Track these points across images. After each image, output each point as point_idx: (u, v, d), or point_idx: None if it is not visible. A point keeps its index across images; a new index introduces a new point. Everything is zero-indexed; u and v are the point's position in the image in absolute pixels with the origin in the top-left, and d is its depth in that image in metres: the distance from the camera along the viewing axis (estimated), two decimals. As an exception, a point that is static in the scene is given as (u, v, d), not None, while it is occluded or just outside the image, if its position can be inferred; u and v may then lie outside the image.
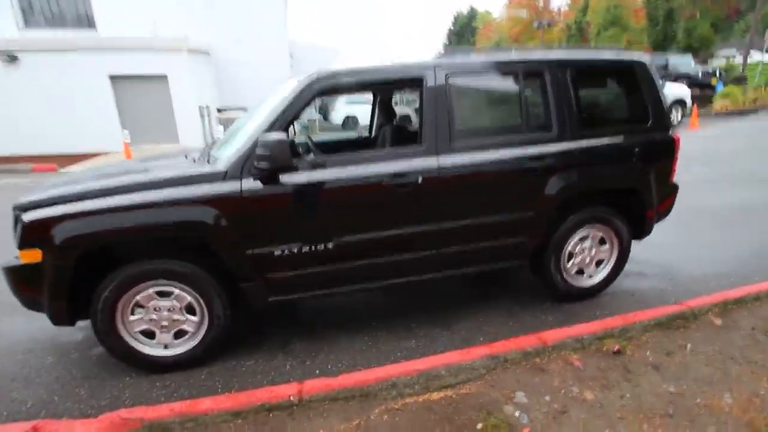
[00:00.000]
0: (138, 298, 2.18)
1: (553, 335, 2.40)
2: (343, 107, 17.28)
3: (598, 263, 3.03)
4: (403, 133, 3.52)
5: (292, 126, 2.42)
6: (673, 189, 3.12)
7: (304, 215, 2.30)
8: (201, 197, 2.13)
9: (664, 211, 3.15)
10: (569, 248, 2.88)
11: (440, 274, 2.64)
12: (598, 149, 2.73)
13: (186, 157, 2.78)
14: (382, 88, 3.40)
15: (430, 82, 2.42)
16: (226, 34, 14.56)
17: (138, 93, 12.23)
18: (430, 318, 2.86)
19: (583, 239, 2.91)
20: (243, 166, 2.20)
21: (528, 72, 2.60)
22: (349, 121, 16.88)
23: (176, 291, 2.21)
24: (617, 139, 2.79)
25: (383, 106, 3.71)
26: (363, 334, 2.69)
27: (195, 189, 2.14)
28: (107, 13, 13.86)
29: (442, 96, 2.42)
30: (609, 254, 3.03)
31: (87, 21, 14.41)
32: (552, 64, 2.63)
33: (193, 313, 2.28)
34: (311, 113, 16.75)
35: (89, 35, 13.72)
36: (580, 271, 3.00)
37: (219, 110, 14.24)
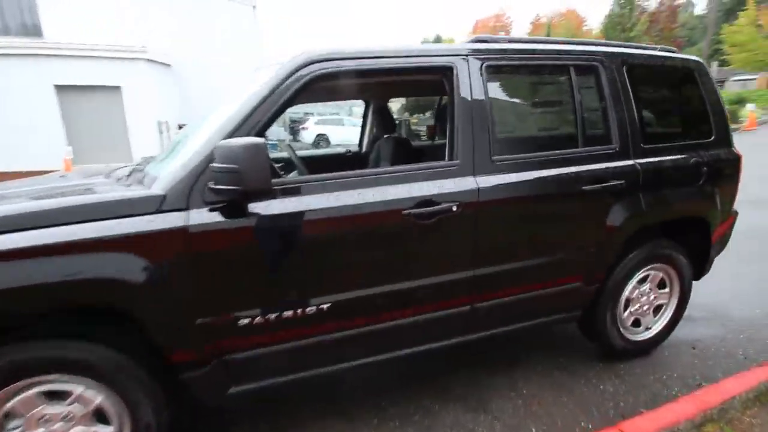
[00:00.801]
0: (11, 405, 1.32)
1: (638, 427, 1.73)
2: (313, 127, 16.61)
3: (656, 310, 2.41)
4: (407, 149, 2.85)
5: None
6: (733, 217, 2.59)
7: (288, 262, 1.55)
8: (119, 237, 1.32)
9: (723, 242, 2.60)
10: (626, 293, 2.25)
11: (474, 336, 1.93)
12: (667, 169, 2.14)
13: (108, 175, 1.95)
14: (391, 81, 2.67)
15: (463, 73, 1.76)
16: (192, 46, 13.64)
17: (87, 105, 11.07)
18: (452, 392, 2.11)
19: (641, 281, 2.29)
20: (192, 189, 1.42)
21: (581, 66, 2.00)
22: (321, 142, 16.19)
23: (77, 390, 1.37)
24: (684, 157, 2.22)
25: (380, 115, 3.03)
26: (364, 412, 1.91)
27: (110, 225, 1.32)
28: (57, 22, 12.66)
29: (480, 93, 1.76)
30: (668, 299, 2.42)
31: (33, 30, 13.12)
32: (608, 56, 2.05)
33: (107, 423, 1.43)
34: (278, 132, 15.97)
35: (33, 42, 12.45)
36: (636, 322, 2.37)
37: (180, 126, 13.18)
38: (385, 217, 1.62)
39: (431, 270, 1.74)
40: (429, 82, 2.34)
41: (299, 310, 1.55)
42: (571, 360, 2.39)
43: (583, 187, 1.91)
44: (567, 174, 1.89)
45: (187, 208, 1.40)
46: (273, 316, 1.51)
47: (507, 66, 1.88)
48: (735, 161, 2.41)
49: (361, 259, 1.65)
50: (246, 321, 1.49)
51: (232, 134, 1.45)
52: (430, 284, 1.74)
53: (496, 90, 1.85)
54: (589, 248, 2.00)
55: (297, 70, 1.55)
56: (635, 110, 2.07)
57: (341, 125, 16.40)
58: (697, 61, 2.36)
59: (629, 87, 2.07)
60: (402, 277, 1.70)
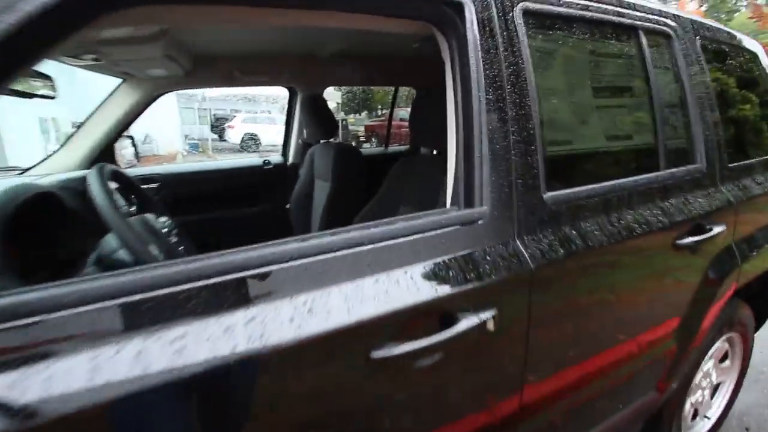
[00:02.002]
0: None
1: None
2: (241, 125, 14.99)
3: (714, 391, 1.72)
4: (358, 162, 1.93)
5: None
6: None
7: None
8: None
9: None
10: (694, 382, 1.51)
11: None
12: (759, 199, 1.42)
13: None
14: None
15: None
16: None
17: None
18: None
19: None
20: None
21: (652, 31, 1.19)
22: (250, 142, 14.62)
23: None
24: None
25: (313, 110, 2.03)
26: None
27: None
28: None
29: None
30: (730, 373, 1.74)
31: None
32: (679, 22, 1.27)
33: None
34: (200, 131, 14.21)
35: None
36: (694, 414, 1.65)
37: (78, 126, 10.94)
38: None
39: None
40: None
41: None
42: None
43: (677, 241, 1.10)
44: (655, 220, 1.06)
45: None
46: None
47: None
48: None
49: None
50: None
51: None
52: None
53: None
54: (675, 313, 1.19)
55: None
56: (717, 108, 1.32)
57: (274, 124, 14.93)
58: (758, 51, 1.69)
59: (707, 71, 1.32)
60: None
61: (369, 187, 1.85)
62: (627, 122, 1.22)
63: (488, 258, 0.78)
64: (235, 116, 15.81)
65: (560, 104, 1.07)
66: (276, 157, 2.45)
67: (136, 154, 2.41)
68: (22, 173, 1.72)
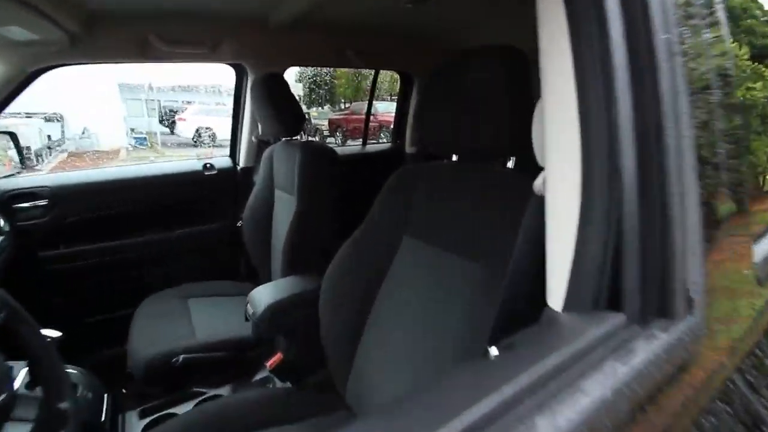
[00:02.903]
0: None
1: None
2: (192, 117, 13.85)
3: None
4: (332, 165, 1.41)
5: None
6: None
7: None
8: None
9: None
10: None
11: None
12: None
13: None
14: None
15: None
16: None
17: None
18: None
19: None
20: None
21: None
22: (205, 136, 13.54)
23: None
24: None
25: (268, 94, 1.46)
26: None
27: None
28: None
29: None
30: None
31: None
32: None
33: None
34: (149, 123, 12.98)
35: None
36: None
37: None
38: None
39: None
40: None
41: None
42: None
43: None
44: None
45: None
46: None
47: None
48: None
49: None
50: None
51: None
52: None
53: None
54: None
55: None
56: None
57: (229, 116, 13.85)
58: None
59: None
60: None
61: (344, 196, 1.36)
62: None
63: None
64: (186, 108, 14.62)
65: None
66: (223, 160, 1.86)
67: (21, 158, 1.76)
68: None
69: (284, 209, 1.47)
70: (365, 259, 0.94)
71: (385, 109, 6.86)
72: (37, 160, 8.50)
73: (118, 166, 1.76)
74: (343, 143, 9.62)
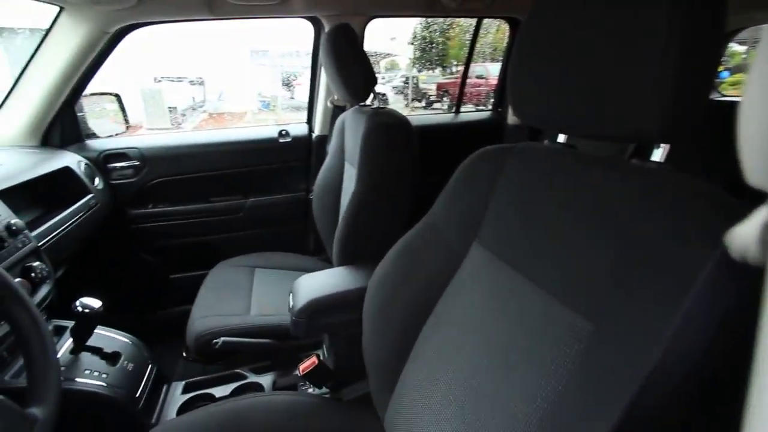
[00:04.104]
0: None
1: None
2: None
3: None
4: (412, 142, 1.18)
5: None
6: None
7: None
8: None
9: None
10: None
11: None
12: None
13: None
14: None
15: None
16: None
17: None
18: None
19: None
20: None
21: None
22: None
23: None
24: None
25: (335, 50, 1.26)
26: None
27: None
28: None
29: None
30: None
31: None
32: None
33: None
34: (276, 88, 13.99)
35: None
36: None
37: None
38: None
39: None
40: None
41: None
42: None
43: None
44: None
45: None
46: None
47: None
48: None
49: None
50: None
51: None
52: None
53: None
54: None
55: None
56: None
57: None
58: None
59: None
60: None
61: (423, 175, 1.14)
62: None
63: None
64: (302, 73, 15.37)
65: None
66: (299, 127, 1.75)
67: (125, 118, 1.87)
68: None
69: (349, 184, 1.30)
70: (417, 267, 0.72)
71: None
72: (182, 119, 9.80)
73: (202, 131, 1.75)
74: (450, 110, 9.08)
